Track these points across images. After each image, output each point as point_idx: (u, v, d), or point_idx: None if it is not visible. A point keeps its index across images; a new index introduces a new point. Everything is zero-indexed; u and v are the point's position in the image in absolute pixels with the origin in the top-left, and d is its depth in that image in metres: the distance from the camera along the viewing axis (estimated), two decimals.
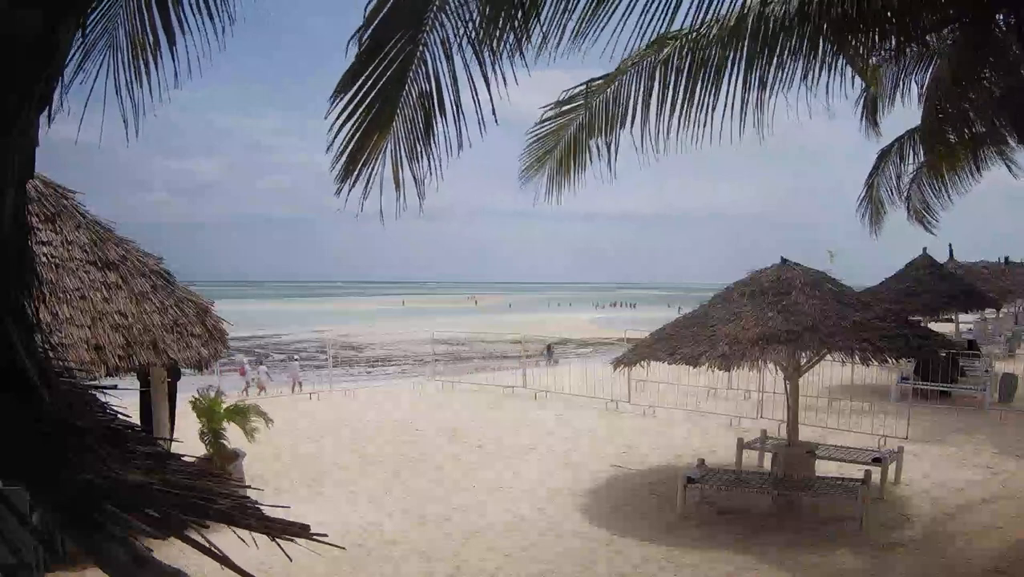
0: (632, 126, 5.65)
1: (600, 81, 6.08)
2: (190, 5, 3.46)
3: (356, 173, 4.76)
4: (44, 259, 7.37)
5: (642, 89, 5.64)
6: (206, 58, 3.49)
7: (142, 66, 3.72)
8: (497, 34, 4.21)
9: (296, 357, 23.91)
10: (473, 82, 4.32)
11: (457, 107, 4.49)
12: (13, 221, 2.01)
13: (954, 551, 7.56)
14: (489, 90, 4.25)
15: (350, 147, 4.69)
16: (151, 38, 3.62)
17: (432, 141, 4.69)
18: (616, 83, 5.96)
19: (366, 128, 4.66)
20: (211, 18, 3.46)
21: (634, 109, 5.69)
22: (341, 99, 4.53)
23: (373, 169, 4.78)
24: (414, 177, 4.83)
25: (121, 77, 3.76)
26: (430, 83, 4.53)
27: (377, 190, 4.73)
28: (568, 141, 6.58)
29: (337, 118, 4.56)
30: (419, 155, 4.79)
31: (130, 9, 3.64)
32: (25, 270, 2.26)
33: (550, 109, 6.50)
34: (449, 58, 4.39)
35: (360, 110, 4.59)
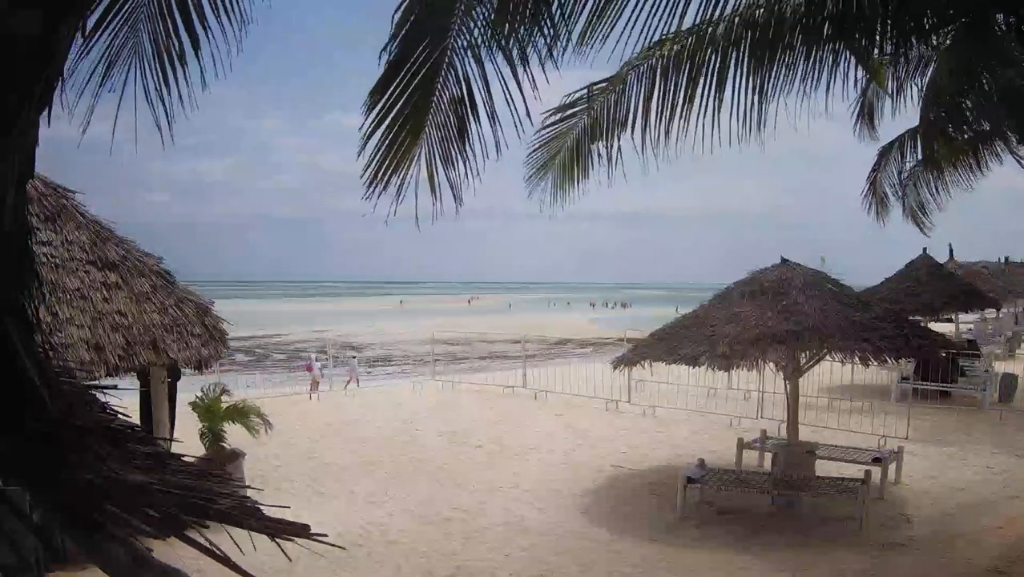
0: (633, 130, 5.68)
1: (602, 84, 6.09)
2: (211, 7, 3.47)
3: (387, 179, 4.86)
4: (44, 259, 7.36)
5: (643, 92, 5.65)
6: (226, 60, 3.50)
7: (169, 72, 3.72)
8: (514, 36, 4.27)
9: (355, 355, 24.53)
10: (506, 85, 4.43)
11: (491, 111, 4.58)
12: (13, 221, 2.01)
13: (954, 551, 7.56)
14: (522, 91, 4.36)
15: (380, 153, 4.80)
16: (176, 43, 3.63)
17: (467, 144, 4.77)
18: (618, 86, 5.97)
19: (395, 134, 4.77)
20: (229, 20, 3.47)
21: (635, 112, 5.71)
22: (374, 107, 4.62)
23: (406, 174, 4.87)
24: (449, 181, 4.91)
25: (150, 83, 3.77)
26: (460, 87, 4.61)
27: (413, 195, 4.84)
28: (571, 146, 6.59)
29: (370, 126, 4.67)
30: (454, 159, 4.87)
31: (152, 13, 3.65)
32: (25, 270, 2.26)
33: (552, 115, 6.50)
34: (479, 62, 4.47)
35: (391, 116, 4.70)
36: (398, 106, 4.66)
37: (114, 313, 7.72)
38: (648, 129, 5.51)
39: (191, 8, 3.49)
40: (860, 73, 5.53)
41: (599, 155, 6.22)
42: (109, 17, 3.54)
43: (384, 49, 4.43)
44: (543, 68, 4.31)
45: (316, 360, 22.09)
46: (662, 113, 5.41)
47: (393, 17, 4.34)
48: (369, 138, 4.71)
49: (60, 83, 2.14)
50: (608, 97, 6.06)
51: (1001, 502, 9.11)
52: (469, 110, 4.65)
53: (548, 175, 6.84)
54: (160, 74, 3.73)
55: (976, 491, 9.53)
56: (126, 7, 3.59)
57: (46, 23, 1.83)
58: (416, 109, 4.71)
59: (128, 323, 7.76)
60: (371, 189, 4.84)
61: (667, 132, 5.36)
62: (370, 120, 4.65)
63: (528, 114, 4.45)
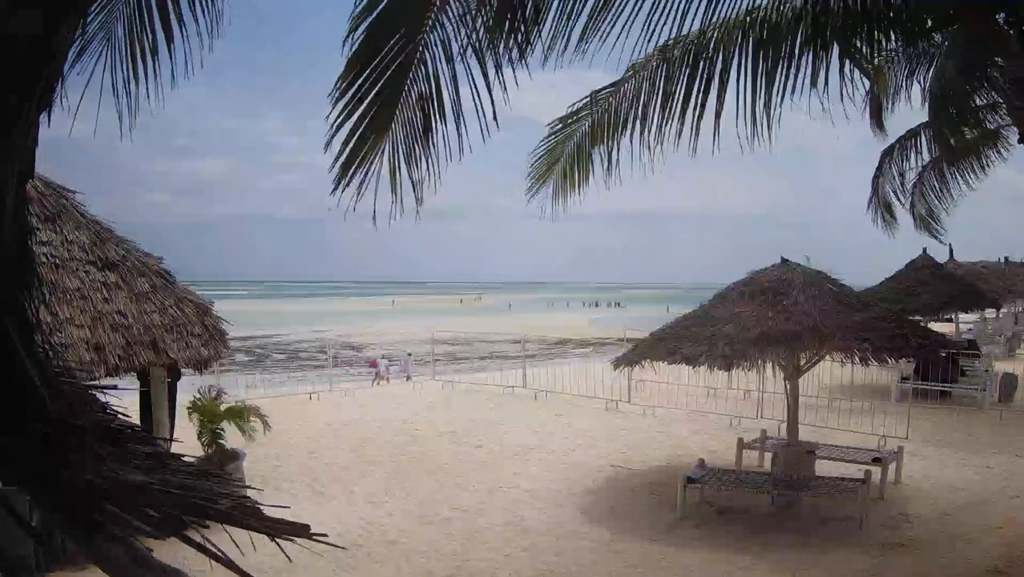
0: (635, 133, 5.65)
1: (605, 91, 6.08)
2: (188, 5, 3.45)
3: (351, 174, 4.75)
4: (44, 259, 7.36)
5: (644, 95, 5.63)
6: (200, 59, 3.48)
7: (140, 64, 3.70)
8: (501, 38, 4.20)
9: (409, 353, 26.35)
10: (475, 85, 4.34)
11: (458, 111, 4.49)
12: (13, 221, 2.01)
13: (954, 551, 7.56)
14: (491, 94, 4.26)
15: (349, 147, 4.69)
16: (149, 37, 3.60)
17: (431, 144, 4.69)
18: (620, 91, 5.96)
19: (364, 129, 4.66)
20: (205, 18, 3.44)
21: (637, 116, 5.68)
22: (340, 99, 4.53)
23: (369, 170, 4.77)
24: (411, 180, 4.82)
25: (119, 73, 3.74)
26: (430, 85, 4.52)
27: (373, 192, 4.74)
28: (571, 152, 6.57)
29: (336, 118, 4.57)
30: (417, 158, 4.78)
31: (130, 6, 3.63)
32: (25, 270, 2.26)
33: (556, 124, 6.49)
34: (450, 60, 4.39)
35: (359, 111, 4.59)
36: (368, 99, 4.56)
37: (114, 313, 7.71)
38: (649, 132, 5.48)
39: (168, 2, 3.47)
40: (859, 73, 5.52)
41: (601, 159, 6.19)
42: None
43: (348, 37, 4.32)
44: (514, 69, 4.21)
45: (383, 357, 26.09)
46: (665, 116, 5.38)
47: (355, 6, 4.26)
48: (337, 131, 4.60)
49: (61, 83, 2.14)
50: (610, 102, 6.04)
51: (1001, 502, 9.11)
52: (436, 110, 4.56)
53: (550, 181, 6.82)
54: (130, 65, 3.71)
55: (976, 491, 9.52)
56: None
57: (46, 23, 1.83)
58: (385, 103, 4.61)
59: (128, 323, 7.75)
60: (339, 184, 4.74)
61: (670, 135, 5.33)
62: (337, 112, 4.54)
63: (495, 116, 4.32)
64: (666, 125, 5.35)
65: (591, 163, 6.40)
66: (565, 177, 6.66)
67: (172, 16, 3.48)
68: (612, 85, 6.00)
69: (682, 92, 5.25)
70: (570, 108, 6.37)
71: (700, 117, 5.12)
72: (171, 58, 3.53)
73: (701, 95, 5.14)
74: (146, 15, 3.58)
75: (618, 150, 5.90)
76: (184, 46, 3.50)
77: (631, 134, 5.68)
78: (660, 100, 5.42)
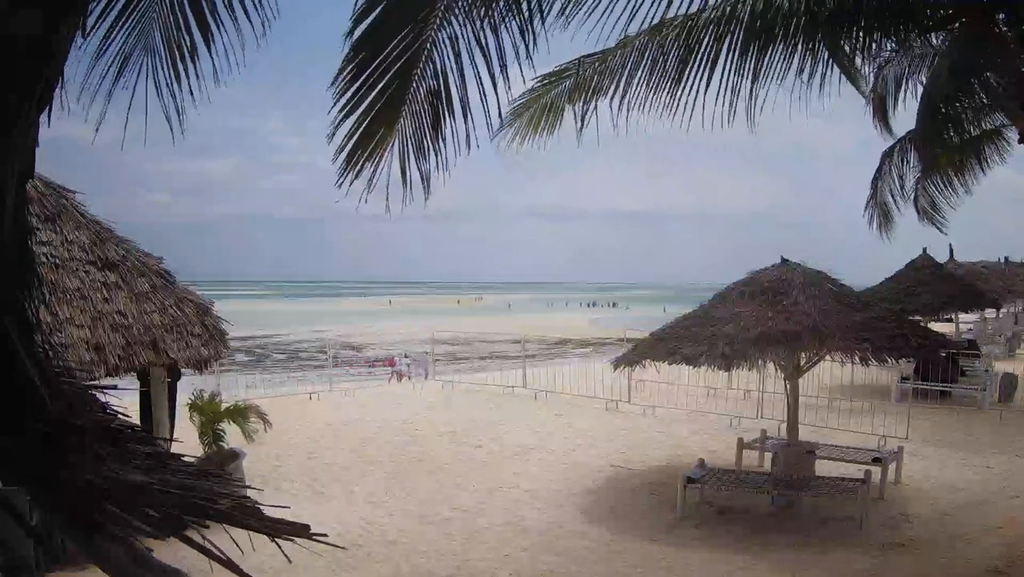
0: (614, 99, 5.73)
1: (593, 57, 6.14)
2: (223, 4, 3.44)
3: (359, 168, 4.78)
4: (44, 259, 7.36)
5: (630, 63, 5.69)
6: (243, 56, 3.48)
7: (180, 68, 3.71)
8: (502, 21, 4.24)
9: (426, 351, 26.47)
10: (480, 79, 4.37)
11: (466, 106, 4.53)
12: (13, 221, 2.01)
13: (954, 551, 7.56)
14: (496, 90, 4.30)
15: (352, 141, 4.72)
16: (187, 40, 3.61)
17: (440, 138, 4.73)
18: (606, 60, 6.03)
19: (372, 123, 4.70)
20: (247, 16, 3.43)
21: (618, 80, 5.76)
22: (343, 93, 4.55)
23: (378, 165, 4.80)
24: (420, 172, 4.86)
25: (161, 78, 3.76)
26: (438, 80, 4.56)
27: (382, 186, 4.78)
28: (545, 104, 6.69)
29: (339, 113, 4.59)
30: (427, 152, 4.82)
31: (164, 11, 3.63)
32: (25, 270, 2.26)
33: (539, 81, 6.57)
34: (458, 56, 4.43)
35: (364, 104, 4.62)
36: (372, 95, 4.59)
37: (114, 313, 7.71)
38: (624, 98, 5.56)
39: (203, 3, 3.47)
40: (868, 70, 5.55)
41: (574, 115, 6.28)
42: (124, 16, 3.52)
43: (349, 33, 4.34)
44: (530, 55, 4.26)
45: (405, 356, 26.63)
46: (650, 84, 5.44)
47: (356, 2, 4.27)
48: (339, 125, 4.64)
49: (61, 83, 2.13)
50: (596, 68, 6.11)
51: (1001, 502, 9.11)
52: (445, 104, 4.60)
53: (516, 125, 6.90)
54: (171, 69, 3.72)
55: (976, 491, 9.52)
56: (140, 5, 3.58)
57: (46, 23, 1.83)
58: (392, 98, 4.65)
59: (128, 323, 7.75)
60: (344, 178, 4.79)
61: (652, 105, 5.41)
62: (340, 106, 4.58)
63: (500, 113, 4.49)
64: (646, 96, 5.40)
65: (561, 116, 6.53)
66: (531, 121, 6.79)
67: (209, 17, 3.49)
68: (600, 52, 6.05)
69: (671, 65, 5.30)
70: (557, 67, 6.47)
71: (688, 94, 5.18)
72: (212, 58, 3.55)
73: (689, 72, 5.19)
74: (181, 18, 3.59)
75: (594, 111, 5.97)
76: (224, 42, 3.52)
77: (610, 100, 5.79)
78: (646, 69, 5.49)
